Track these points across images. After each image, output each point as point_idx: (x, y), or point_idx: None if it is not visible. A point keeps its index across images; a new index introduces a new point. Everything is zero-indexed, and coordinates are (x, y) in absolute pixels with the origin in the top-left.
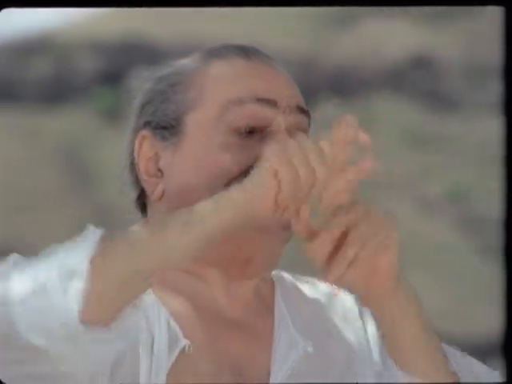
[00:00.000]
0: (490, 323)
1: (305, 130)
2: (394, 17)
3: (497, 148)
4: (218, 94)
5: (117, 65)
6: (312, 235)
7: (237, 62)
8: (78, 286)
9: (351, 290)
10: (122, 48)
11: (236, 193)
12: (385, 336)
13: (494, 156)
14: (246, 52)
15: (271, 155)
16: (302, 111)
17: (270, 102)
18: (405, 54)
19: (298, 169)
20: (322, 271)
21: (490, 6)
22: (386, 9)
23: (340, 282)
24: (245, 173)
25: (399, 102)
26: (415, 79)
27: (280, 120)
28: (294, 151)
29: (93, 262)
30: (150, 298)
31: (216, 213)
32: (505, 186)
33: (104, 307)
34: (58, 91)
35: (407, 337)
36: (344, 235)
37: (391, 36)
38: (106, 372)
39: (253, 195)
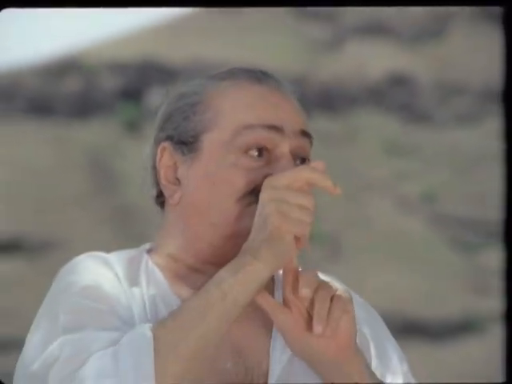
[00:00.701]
0: (461, 305)
1: (307, 151)
2: (375, 41)
3: (465, 155)
4: (231, 120)
5: (136, 83)
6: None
7: (249, 89)
8: None
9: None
10: (140, 68)
11: (258, 264)
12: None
13: (462, 161)
14: (258, 78)
15: (271, 215)
16: (305, 135)
17: (277, 128)
18: (384, 73)
19: (304, 218)
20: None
21: (490, 6)
22: (368, 35)
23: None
24: (253, 191)
25: (380, 116)
26: (393, 96)
27: (284, 147)
28: (288, 200)
29: (157, 368)
30: (165, 288)
31: (246, 291)
32: (505, 186)
33: None
34: (85, 106)
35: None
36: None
37: (373, 58)
38: None
39: (278, 258)
